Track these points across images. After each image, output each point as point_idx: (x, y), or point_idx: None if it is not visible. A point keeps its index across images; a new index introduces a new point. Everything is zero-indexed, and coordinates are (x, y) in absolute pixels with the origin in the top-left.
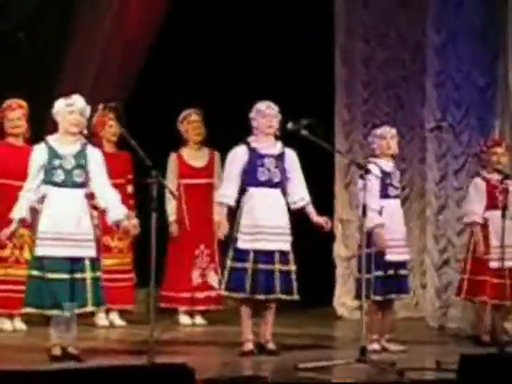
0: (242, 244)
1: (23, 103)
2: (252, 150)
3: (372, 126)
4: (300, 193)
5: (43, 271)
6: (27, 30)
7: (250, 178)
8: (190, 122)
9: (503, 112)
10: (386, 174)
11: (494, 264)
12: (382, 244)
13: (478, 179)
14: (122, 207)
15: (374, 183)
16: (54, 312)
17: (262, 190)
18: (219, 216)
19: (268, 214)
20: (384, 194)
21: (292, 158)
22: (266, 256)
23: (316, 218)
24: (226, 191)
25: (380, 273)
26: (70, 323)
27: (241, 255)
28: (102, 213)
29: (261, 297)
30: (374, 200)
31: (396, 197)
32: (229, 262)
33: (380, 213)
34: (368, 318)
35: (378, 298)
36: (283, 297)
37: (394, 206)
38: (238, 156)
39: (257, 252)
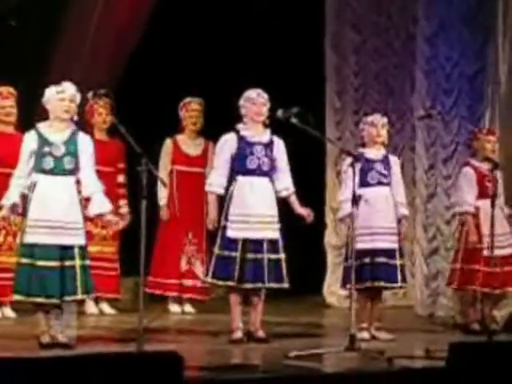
0: (230, 233)
1: (13, 91)
2: (241, 138)
3: (363, 114)
4: (284, 183)
5: (33, 259)
6: (19, 17)
7: (239, 166)
8: (189, 111)
9: (492, 100)
10: (369, 162)
11: (486, 253)
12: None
13: (467, 168)
14: (107, 201)
15: (348, 173)
16: (43, 300)
17: (251, 179)
18: (210, 205)
19: (257, 203)
20: (364, 183)
21: (280, 147)
22: (255, 245)
23: (299, 209)
24: (215, 180)
25: (352, 261)
26: (59, 311)
27: (230, 244)
28: (85, 201)
29: (248, 286)
30: (344, 191)
31: (379, 184)
32: (217, 250)
33: (357, 202)
34: (357, 307)
35: (358, 286)
36: (272, 285)
37: (374, 194)
38: (227, 144)
39: (245, 241)
